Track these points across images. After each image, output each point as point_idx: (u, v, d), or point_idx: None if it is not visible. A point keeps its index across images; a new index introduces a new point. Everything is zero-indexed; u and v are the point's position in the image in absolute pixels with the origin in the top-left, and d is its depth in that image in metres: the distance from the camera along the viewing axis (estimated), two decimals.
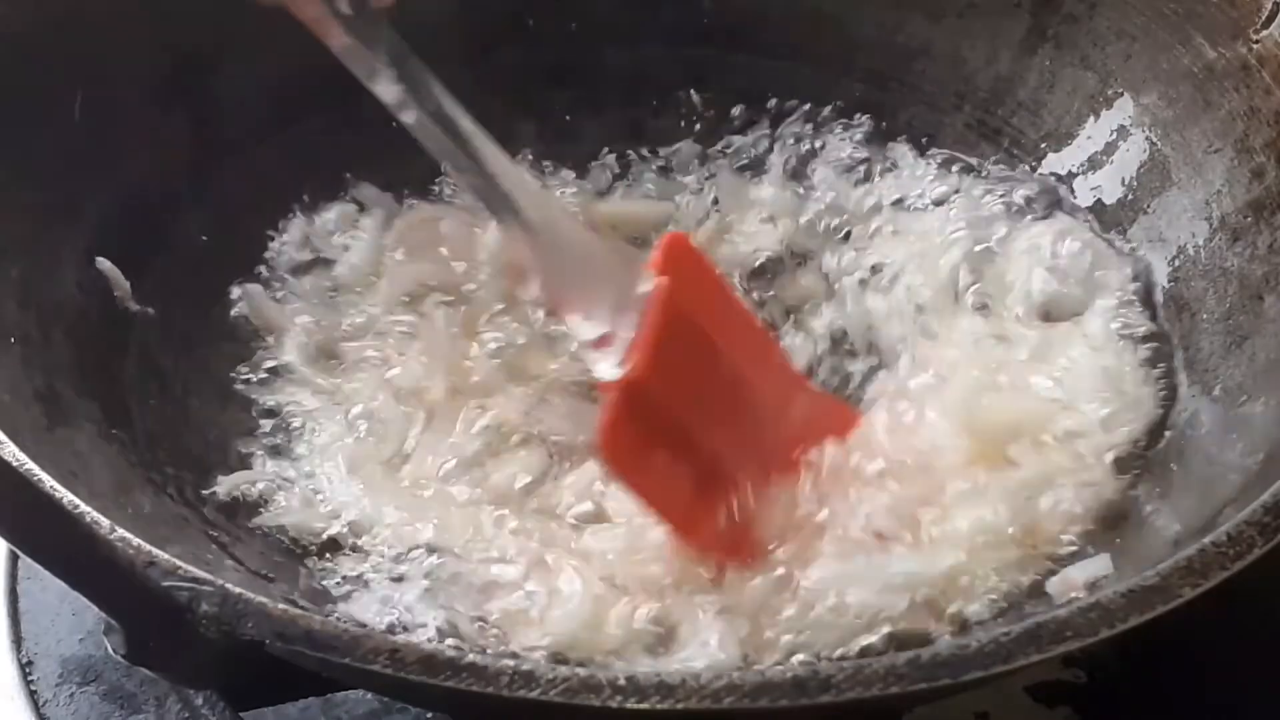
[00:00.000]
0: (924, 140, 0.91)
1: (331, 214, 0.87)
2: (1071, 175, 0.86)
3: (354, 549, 0.72)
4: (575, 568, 0.69)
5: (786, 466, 0.72)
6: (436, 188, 0.90)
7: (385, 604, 0.68)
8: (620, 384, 0.67)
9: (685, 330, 0.70)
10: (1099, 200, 0.84)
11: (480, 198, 0.71)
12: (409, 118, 0.69)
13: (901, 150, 0.90)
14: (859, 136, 0.91)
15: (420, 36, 0.79)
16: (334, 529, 0.72)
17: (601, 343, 0.69)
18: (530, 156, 0.91)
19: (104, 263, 0.75)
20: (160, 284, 0.80)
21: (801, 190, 0.90)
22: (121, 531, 0.53)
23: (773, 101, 0.93)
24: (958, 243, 0.83)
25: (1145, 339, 0.77)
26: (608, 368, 0.68)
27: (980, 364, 0.77)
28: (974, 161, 0.89)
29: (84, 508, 0.53)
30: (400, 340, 0.82)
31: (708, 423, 0.71)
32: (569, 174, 0.92)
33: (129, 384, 0.75)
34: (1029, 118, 0.88)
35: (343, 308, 0.84)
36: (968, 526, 0.68)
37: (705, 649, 0.66)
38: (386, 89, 0.68)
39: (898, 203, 0.88)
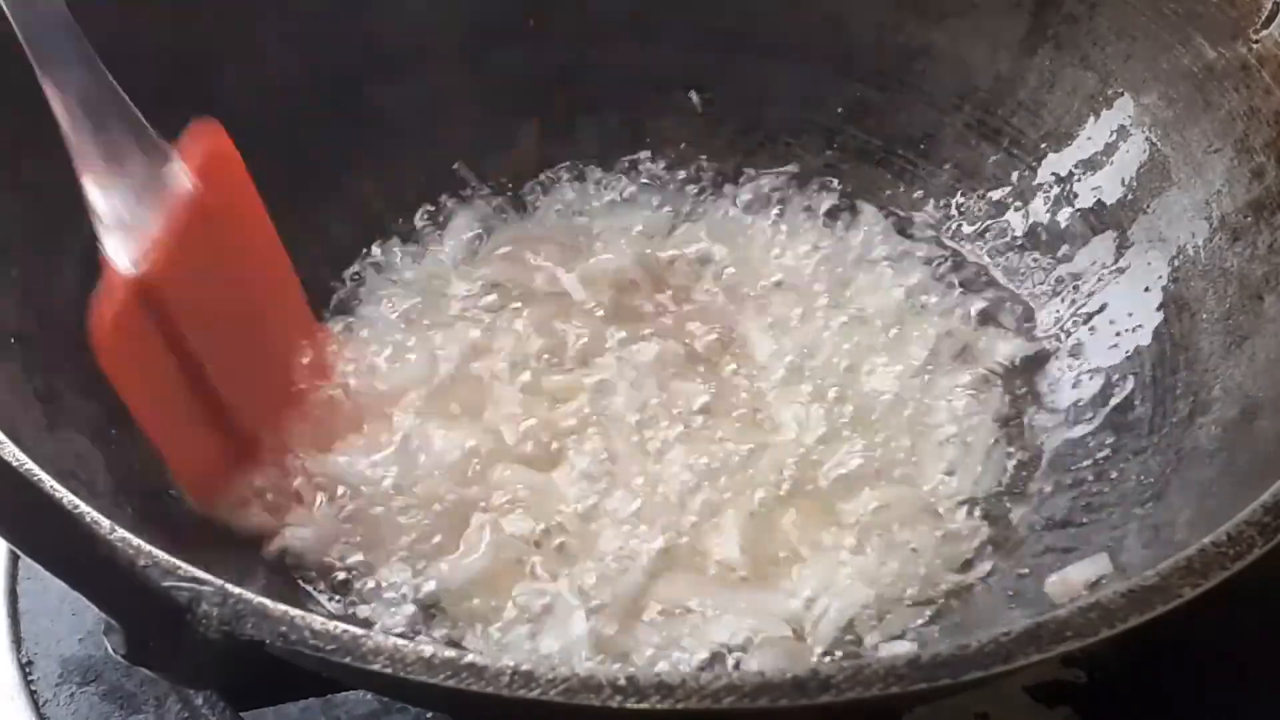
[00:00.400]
0: (923, 144, 0.91)
1: None
2: (1071, 175, 0.86)
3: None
4: None
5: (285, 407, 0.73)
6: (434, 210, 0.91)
7: None
8: (133, 278, 0.65)
9: (212, 241, 0.68)
10: (1099, 200, 0.84)
11: (22, 36, 0.65)
12: None
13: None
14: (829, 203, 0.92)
15: (420, 37, 0.80)
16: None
17: (116, 218, 0.66)
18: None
19: None
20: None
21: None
22: (121, 531, 0.53)
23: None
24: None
25: None
26: (121, 255, 0.65)
27: None
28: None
29: (84, 508, 0.53)
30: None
31: (216, 344, 0.69)
32: (566, 174, 0.92)
33: None
34: (1029, 118, 0.88)
35: None
36: None
37: None
38: None
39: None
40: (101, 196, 0.66)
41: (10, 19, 0.64)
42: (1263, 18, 0.75)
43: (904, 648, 0.68)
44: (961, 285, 0.87)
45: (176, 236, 0.66)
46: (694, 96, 0.94)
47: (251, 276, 0.73)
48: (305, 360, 0.77)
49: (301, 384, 0.76)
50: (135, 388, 0.66)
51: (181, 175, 0.67)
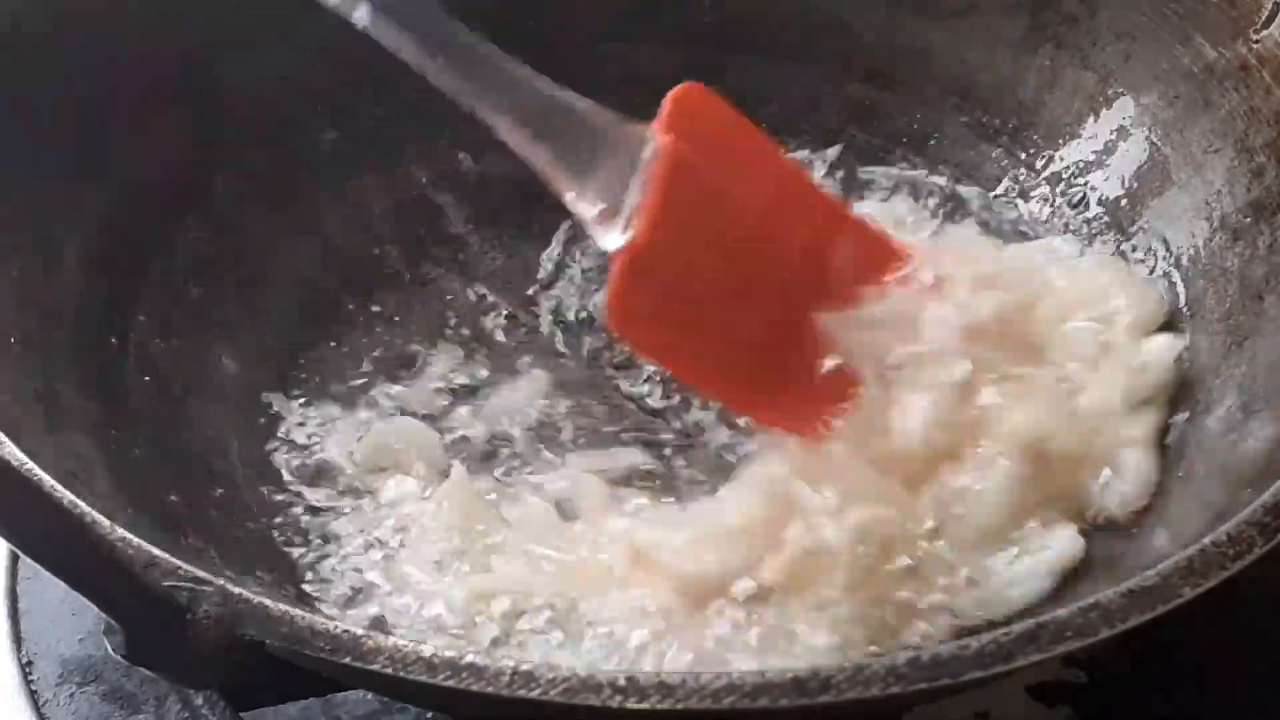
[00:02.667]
0: (923, 144, 0.91)
1: None
2: (1071, 175, 0.86)
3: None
4: None
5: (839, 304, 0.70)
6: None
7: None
8: (623, 251, 0.65)
9: (697, 186, 0.67)
10: (1099, 200, 0.84)
11: (459, 90, 0.67)
12: (362, 16, 0.64)
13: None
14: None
15: None
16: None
17: (604, 216, 0.66)
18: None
19: None
20: (160, 284, 0.80)
21: None
22: (121, 531, 0.53)
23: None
24: None
25: None
26: (612, 238, 0.66)
27: None
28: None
29: (84, 508, 0.53)
30: None
31: (735, 280, 0.68)
32: None
33: (129, 384, 0.75)
34: (1029, 118, 0.88)
35: None
36: None
37: None
38: None
39: None
40: (583, 206, 0.67)
41: (429, 77, 0.67)
42: (1263, 18, 0.76)
43: None
44: None
45: (658, 197, 0.65)
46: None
47: (752, 205, 0.71)
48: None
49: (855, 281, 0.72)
50: (662, 349, 0.68)
51: (652, 141, 0.67)
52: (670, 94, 0.70)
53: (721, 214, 0.69)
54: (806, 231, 0.72)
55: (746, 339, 0.69)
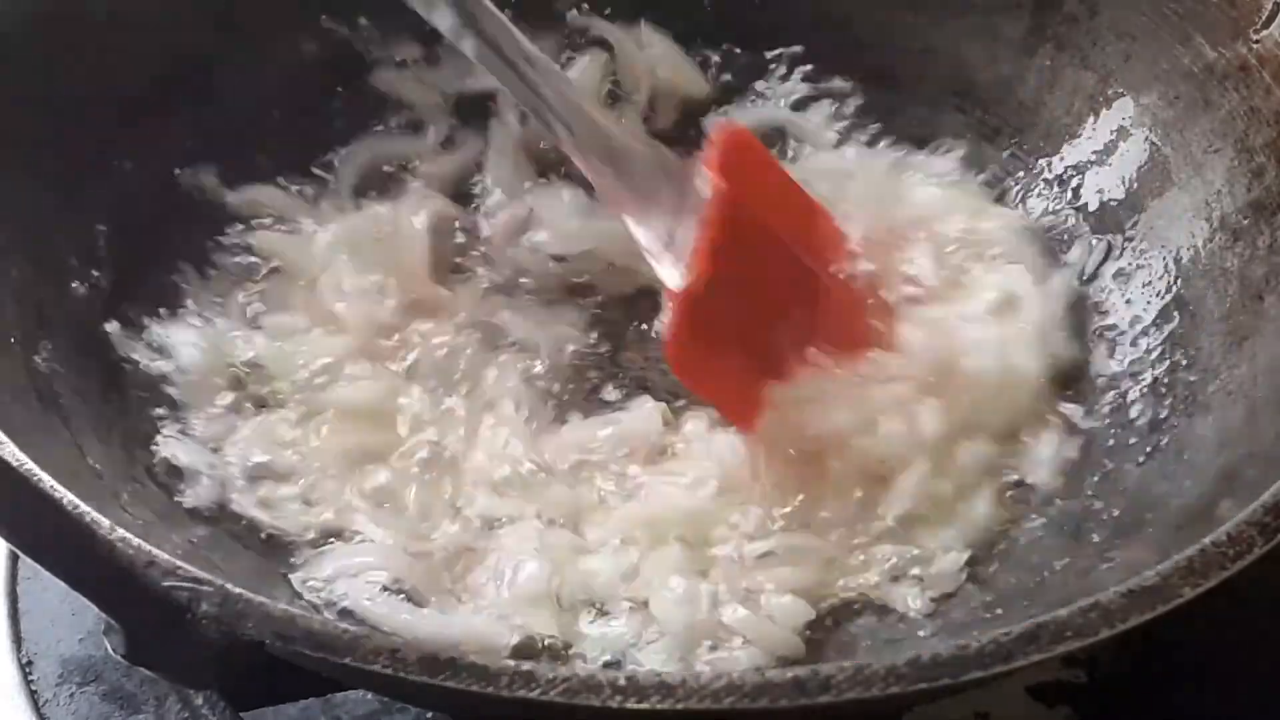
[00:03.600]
0: (923, 145, 0.91)
1: None
2: (1071, 175, 0.86)
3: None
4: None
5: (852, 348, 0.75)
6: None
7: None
8: (683, 293, 0.69)
9: (747, 230, 0.72)
10: (1099, 200, 0.84)
11: (537, 116, 0.73)
12: (468, 46, 0.70)
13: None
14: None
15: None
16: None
17: (663, 249, 0.71)
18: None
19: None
20: (160, 284, 0.80)
21: None
22: (121, 531, 0.53)
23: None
24: None
25: None
26: (672, 275, 0.70)
27: None
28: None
29: (84, 508, 0.53)
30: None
31: (774, 317, 0.73)
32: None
33: (129, 384, 0.75)
34: (1029, 118, 0.88)
35: None
36: None
37: None
38: (443, 17, 0.70)
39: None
40: (642, 231, 0.72)
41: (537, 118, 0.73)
42: (1263, 18, 0.75)
43: None
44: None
45: (712, 239, 0.70)
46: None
47: (791, 246, 0.75)
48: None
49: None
50: (712, 386, 0.72)
51: (704, 184, 0.71)
52: (714, 134, 0.74)
53: (769, 258, 0.74)
54: (830, 268, 0.77)
55: (768, 367, 0.73)
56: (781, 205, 0.77)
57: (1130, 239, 0.82)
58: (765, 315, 0.73)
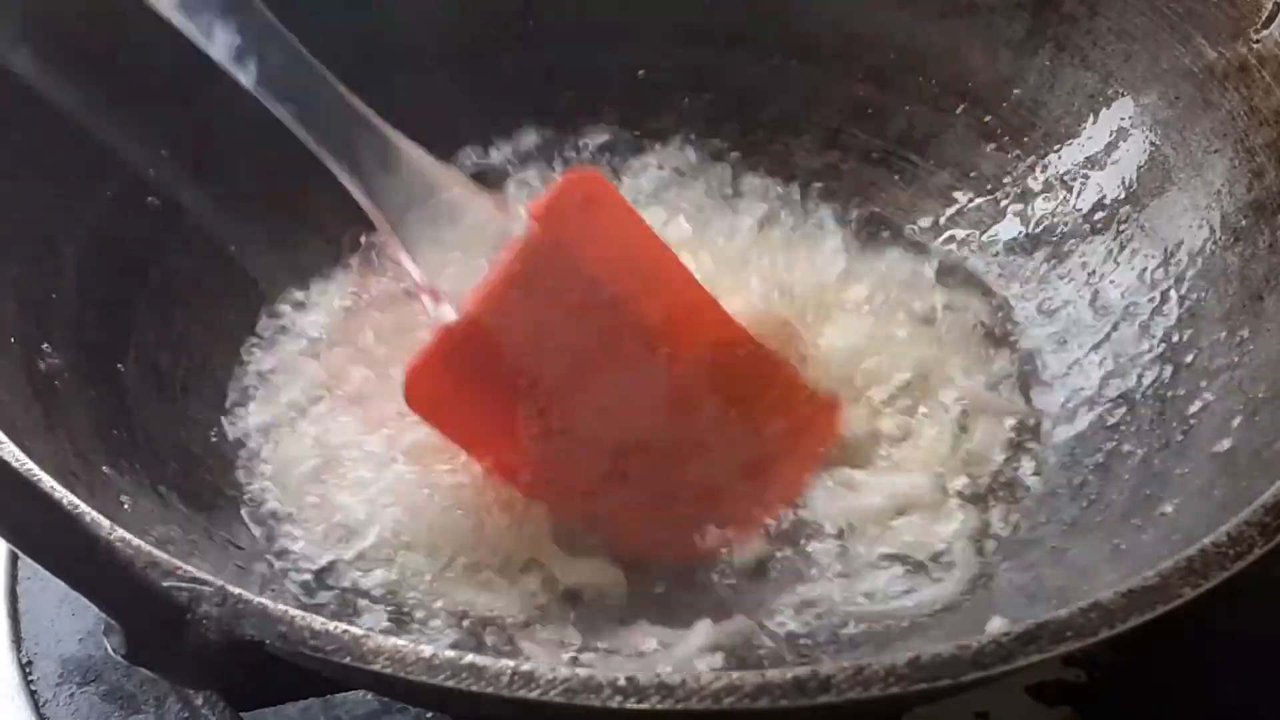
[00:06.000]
0: (923, 145, 0.91)
1: None
2: (1071, 175, 0.86)
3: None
4: None
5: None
6: None
7: None
8: (446, 330, 0.65)
9: (554, 273, 0.66)
10: (1099, 200, 0.84)
11: (328, 151, 0.67)
12: (247, 76, 0.63)
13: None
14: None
15: (420, 37, 0.80)
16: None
17: (438, 284, 0.66)
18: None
19: None
20: (160, 284, 0.80)
21: None
22: (121, 531, 0.53)
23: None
24: None
25: None
26: (444, 311, 0.65)
27: None
28: None
29: (84, 508, 0.53)
30: None
31: (576, 381, 0.67)
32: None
33: (129, 384, 0.75)
34: (1029, 118, 0.88)
35: None
36: None
37: None
38: (222, 36, 0.62)
39: None
40: (416, 265, 0.66)
41: (292, 126, 0.66)
42: (1263, 18, 0.75)
43: None
44: (961, 285, 0.87)
45: (501, 277, 0.65)
46: (693, 97, 0.93)
47: (624, 307, 0.69)
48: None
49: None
50: (456, 428, 0.67)
51: (519, 224, 0.66)
52: (561, 178, 0.69)
53: (581, 311, 0.67)
54: (696, 356, 0.70)
55: (577, 453, 0.68)
56: (622, 260, 0.69)
57: (1130, 239, 0.82)
58: (573, 376, 0.67)
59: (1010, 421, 0.80)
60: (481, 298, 0.65)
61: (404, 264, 0.67)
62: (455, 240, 0.66)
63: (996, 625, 0.55)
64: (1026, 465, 0.78)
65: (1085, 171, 0.86)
